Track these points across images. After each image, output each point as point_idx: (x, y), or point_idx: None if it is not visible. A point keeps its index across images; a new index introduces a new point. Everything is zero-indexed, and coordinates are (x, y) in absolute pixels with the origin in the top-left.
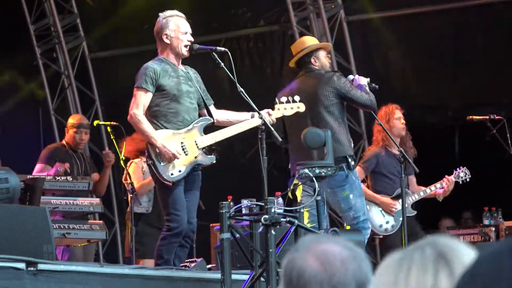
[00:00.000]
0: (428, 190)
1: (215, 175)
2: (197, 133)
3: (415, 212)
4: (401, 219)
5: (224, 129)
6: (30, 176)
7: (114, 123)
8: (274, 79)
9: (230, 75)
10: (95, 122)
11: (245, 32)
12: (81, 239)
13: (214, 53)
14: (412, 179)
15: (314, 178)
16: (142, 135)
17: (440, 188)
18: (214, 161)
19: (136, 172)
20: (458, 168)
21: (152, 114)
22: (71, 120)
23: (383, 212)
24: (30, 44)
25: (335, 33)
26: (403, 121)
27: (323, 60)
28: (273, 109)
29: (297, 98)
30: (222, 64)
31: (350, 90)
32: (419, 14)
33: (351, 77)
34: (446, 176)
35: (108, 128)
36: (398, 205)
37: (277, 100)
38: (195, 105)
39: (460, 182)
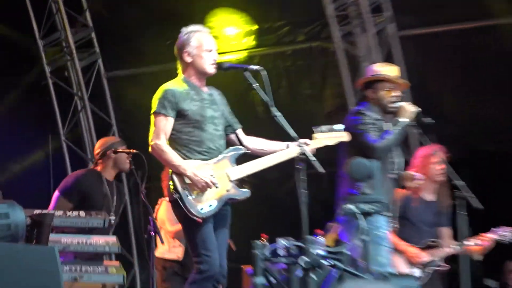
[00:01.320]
0: (459, 247)
1: (246, 210)
2: (228, 164)
3: (447, 267)
4: (428, 271)
5: (259, 160)
6: (37, 211)
7: (134, 151)
8: (314, 102)
9: (264, 97)
10: (112, 150)
11: (282, 48)
12: (95, 284)
13: (246, 72)
14: (445, 231)
15: (359, 216)
16: (168, 166)
17: (477, 246)
18: (248, 195)
19: (169, 212)
20: (499, 228)
21: (172, 142)
22: (108, 140)
23: (407, 262)
24: (39, 61)
25: (385, 50)
26: (442, 165)
27: (381, 93)
28: (311, 138)
29: (340, 126)
30: (256, 84)
31: (357, 132)
32: (486, 27)
33: (397, 104)
34: (483, 234)
35: (128, 157)
36: (426, 257)
37: (314, 129)
38: (221, 132)
39: (508, 243)
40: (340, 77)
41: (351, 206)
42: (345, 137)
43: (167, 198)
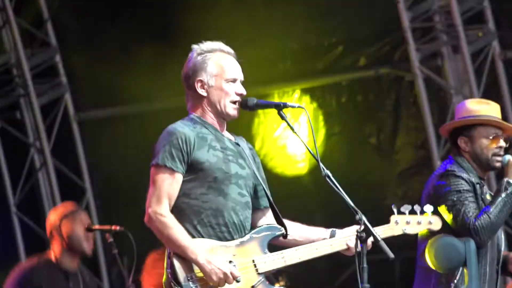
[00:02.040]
0: None
1: None
2: (256, 249)
3: None
4: None
5: (302, 248)
6: None
7: (117, 227)
8: (383, 154)
9: (308, 149)
10: (86, 226)
11: (335, 78)
12: None
13: (281, 112)
14: None
15: None
16: (169, 246)
17: None
18: None
19: None
20: None
21: (177, 209)
22: (61, 210)
23: None
24: None
25: (484, 77)
26: None
27: (481, 143)
28: (388, 221)
29: (429, 208)
30: (296, 130)
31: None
32: None
33: (507, 158)
34: None
35: (108, 237)
36: None
37: (394, 208)
38: (248, 199)
39: None
40: (420, 119)
41: None
42: (436, 225)
43: None
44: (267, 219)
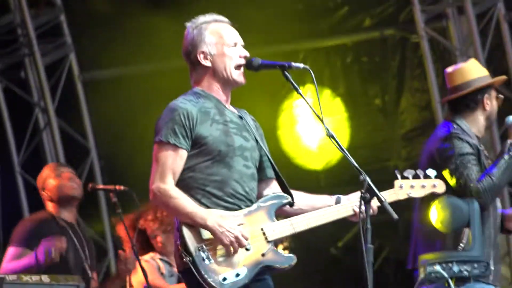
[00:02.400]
0: None
1: (291, 274)
2: (264, 217)
3: None
4: None
5: (309, 215)
6: None
7: (121, 187)
8: (386, 118)
9: (313, 110)
10: (90, 185)
11: (339, 39)
12: None
13: (286, 72)
14: None
15: (450, 282)
16: (178, 216)
17: None
18: (293, 262)
19: (152, 273)
20: None
21: (182, 183)
22: (46, 172)
23: None
24: None
25: (489, 39)
26: None
27: (494, 102)
28: (392, 186)
29: (432, 172)
30: (300, 91)
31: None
32: None
33: (510, 119)
34: None
35: (112, 196)
36: None
37: (398, 173)
38: (253, 170)
39: None
40: (425, 81)
41: (439, 268)
42: (440, 188)
43: (147, 257)
44: (271, 189)
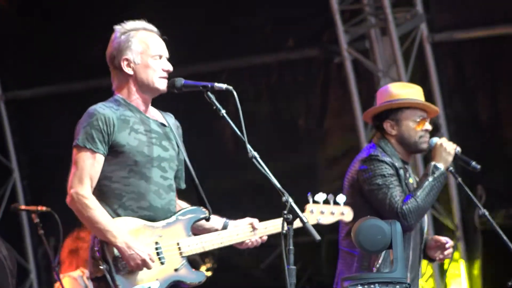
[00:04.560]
0: None
1: None
2: (181, 231)
3: None
4: None
5: (225, 232)
6: None
7: (44, 208)
8: (311, 135)
9: (236, 130)
10: (12, 206)
11: (263, 59)
12: None
13: (209, 94)
14: None
15: None
16: (91, 227)
17: None
18: (203, 280)
19: None
20: None
21: (99, 191)
22: None
23: None
24: None
25: (412, 60)
26: None
27: (406, 126)
28: (303, 210)
29: (341, 198)
30: (224, 111)
31: (371, 190)
32: None
33: (434, 141)
34: None
35: (34, 217)
36: None
37: (310, 197)
38: (171, 181)
39: None
40: (349, 103)
41: None
42: (348, 216)
43: (75, 274)
44: (180, 202)
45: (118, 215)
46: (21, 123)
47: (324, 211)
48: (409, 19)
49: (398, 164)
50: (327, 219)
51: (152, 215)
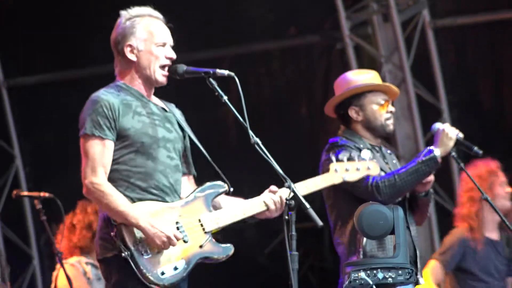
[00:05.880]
0: None
1: (217, 279)
2: (202, 207)
3: None
4: None
5: (244, 203)
6: None
7: (46, 194)
8: (313, 122)
9: (239, 116)
10: (14, 192)
11: (265, 46)
12: None
13: (211, 80)
14: None
15: None
16: (111, 213)
17: None
18: (231, 253)
19: (78, 279)
20: None
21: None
22: None
23: None
24: None
25: (414, 46)
26: (509, 189)
27: (370, 110)
28: (327, 170)
29: (366, 154)
30: (226, 97)
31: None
32: None
33: (436, 126)
34: None
35: (36, 203)
36: None
37: (332, 156)
38: (177, 161)
39: None
40: None
41: (363, 275)
42: (374, 170)
43: (72, 260)
44: (191, 186)
45: (127, 196)
46: (23, 110)
47: (349, 168)
48: (411, 4)
49: (363, 145)
50: (353, 176)
51: (160, 194)
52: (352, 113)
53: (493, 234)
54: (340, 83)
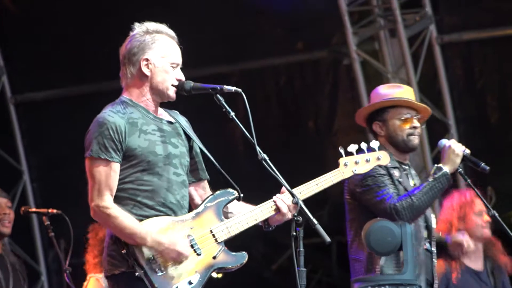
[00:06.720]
0: None
1: None
2: (213, 218)
3: None
4: None
5: (253, 210)
6: None
7: (54, 210)
8: (320, 137)
9: (246, 132)
10: (22, 209)
11: (272, 62)
12: None
13: (218, 96)
14: None
15: None
16: (119, 235)
17: None
18: (245, 260)
19: None
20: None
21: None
22: None
23: None
24: None
25: (421, 61)
26: (486, 217)
27: (392, 125)
28: (337, 165)
29: (375, 143)
30: (233, 114)
31: (364, 188)
32: None
33: (443, 142)
34: None
35: (45, 220)
36: None
37: (342, 150)
38: (183, 177)
39: None
40: (358, 105)
41: None
42: (384, 160)
43: (99, 275)
44: (205, 191)
45: (134, 214)
46: (31, 125)
47: (358, 160)
48: (418, 20)
49: (391, 164)
50: (363, 168)
51: (166, 212)
52: (376, 127)
53: (477, 264)
54: (372, 95)
